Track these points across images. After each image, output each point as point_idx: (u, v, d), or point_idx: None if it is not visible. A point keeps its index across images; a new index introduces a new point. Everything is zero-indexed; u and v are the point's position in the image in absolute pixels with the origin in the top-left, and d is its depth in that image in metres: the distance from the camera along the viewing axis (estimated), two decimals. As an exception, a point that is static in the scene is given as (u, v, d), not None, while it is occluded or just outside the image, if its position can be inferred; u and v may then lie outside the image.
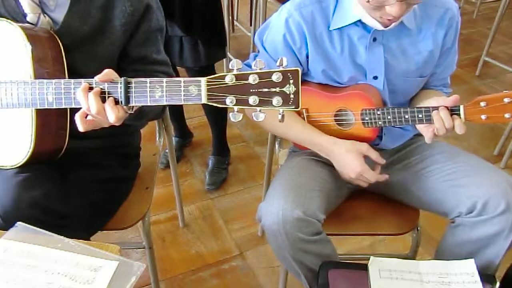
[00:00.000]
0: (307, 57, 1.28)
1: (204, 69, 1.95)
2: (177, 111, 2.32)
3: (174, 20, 1.81)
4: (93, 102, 0.92)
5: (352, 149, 1.26)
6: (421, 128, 1.23)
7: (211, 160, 2.32)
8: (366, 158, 1.27)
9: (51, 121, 1.08)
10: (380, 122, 1.24)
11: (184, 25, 1.82)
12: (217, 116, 2.20)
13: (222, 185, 2.27)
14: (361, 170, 1.25)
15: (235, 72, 0.84)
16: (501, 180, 1.19)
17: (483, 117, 1.13)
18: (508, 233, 1.17)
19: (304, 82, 1.32)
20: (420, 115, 1.19)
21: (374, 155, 1.28)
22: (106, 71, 0.94)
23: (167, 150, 2.25)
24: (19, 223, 0.95)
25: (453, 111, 1.15)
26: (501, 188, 1.17)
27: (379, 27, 1.18)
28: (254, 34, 1.40)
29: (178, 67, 2.06)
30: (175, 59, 1.93)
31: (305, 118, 1.33)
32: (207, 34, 1.89)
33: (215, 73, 0.86)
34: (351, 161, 1.25)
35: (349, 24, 1.22)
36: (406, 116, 1.20)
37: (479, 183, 1.20)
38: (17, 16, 1.11)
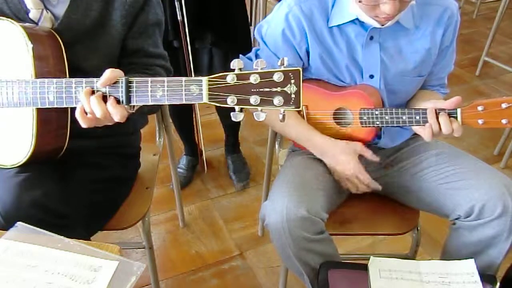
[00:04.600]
0: (307, 52, 1.29)
1: None
2: (185, 128, 2.22)
3: (207, 32, 1.79)
4: (96, 107, 0.93)
5: (347, 149, 1.27)
6: (417, 129, 1.23)
7: (231, 159, 2.33)
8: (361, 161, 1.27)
9: (51, 121, 1.08)
10: (377, 122, 1.25)
11: (220, 37, 1.80)
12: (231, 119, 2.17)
13: (222, 185, 2.27)
14: (356, 170, 1.26)
15: (236, 71, 0.84)
16: (498, 182, 1.19)
17: (480, 121, 1.13)
18: (508, 235, 1.17)
19: (305, 79, 1.32)
20: (417, 117, 1.19)
21: (368, 154, 1.28)
22: (108, 73, 0.94)
23: (179, 169, 2.24)
24: (19, 223, 0.94)
25: (450, 114, 1.15)
26: (498, 191, 1.17)
27: (376, 25, 1.18)
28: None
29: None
30: (204, 71, 1.90)
31: (305, 115, 1.33)
32: (238, 45, 1.86)
33: None
34: (346, 161, 1.26)
35: (347, 22, 1.23)
36: (404, 117, 1.21)
37: (476, 186, 1.20)
38: (20, 12, 1.11)
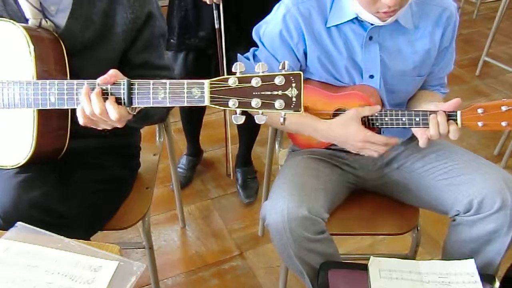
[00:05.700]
0: (305, 53, 1.29)
1: None
2: (191, 127, 2.23)
3: (242, 45, 1.75)
4: (95, 103, 0.93)
5: (347, 121, 1.23)
6: (416, 131, 1.23)
7: (240, 173, 2.24)
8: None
9: (52, 122, 1.08)
10: (377, 124, 1.24)
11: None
12: (251, 131, 2.15)
13: (223, 186, 2.27)
14: (364, 135, 1.21)
15: (238, 75, 0.84)
16: (496, 177, 1.20)
17: (479, 124, 1.13)
18: (508, 230, 1.18)
19: (304, 80, 1.32)
20: (417, 119, 1.19)
21: (367, 111, 1.23)
22: (110, 72, 0.94)
23: (179, 169, 2.23)
24: (19, 223, 0.95)
25: (450, 116, 1.15)
26: (496, 185, 1.18)
27: (377, 22, 1.18)
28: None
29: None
30: None
31: None
32: None
33: None
34: (352, 132, 1.22)
35: (346, 22, 1.23)
36: (404, 119, 1.20)
37: (474, 181, 1.21)
38: (19, 20, 1.11)
